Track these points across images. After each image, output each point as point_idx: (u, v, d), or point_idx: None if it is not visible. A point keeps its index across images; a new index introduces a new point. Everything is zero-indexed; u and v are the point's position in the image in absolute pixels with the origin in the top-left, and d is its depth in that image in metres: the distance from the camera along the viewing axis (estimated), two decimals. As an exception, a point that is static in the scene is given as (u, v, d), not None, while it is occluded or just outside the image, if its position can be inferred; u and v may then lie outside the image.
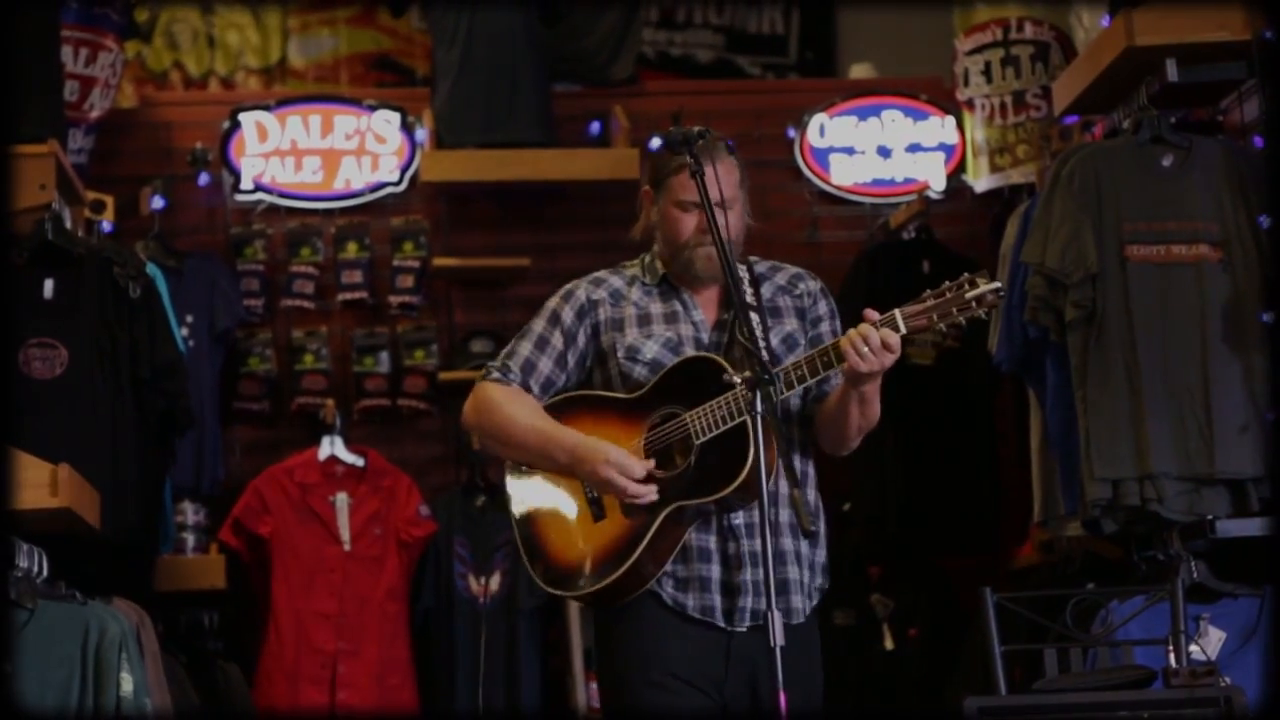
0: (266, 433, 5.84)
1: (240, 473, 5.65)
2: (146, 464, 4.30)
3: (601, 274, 3.36)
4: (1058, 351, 4.07)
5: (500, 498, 5.49)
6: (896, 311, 3.01)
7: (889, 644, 5.42)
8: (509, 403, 3.23)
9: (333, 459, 5.48)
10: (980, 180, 5.76)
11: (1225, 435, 3.83)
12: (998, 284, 2.97)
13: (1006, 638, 3.73)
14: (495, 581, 5.43)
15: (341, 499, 5.42)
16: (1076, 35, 5.42)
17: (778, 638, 2.83)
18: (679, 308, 3.27)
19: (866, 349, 2.99)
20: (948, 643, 5.26)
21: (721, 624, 3.11)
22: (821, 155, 6.15)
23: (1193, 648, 3.63)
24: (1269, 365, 3.83)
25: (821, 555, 3.22)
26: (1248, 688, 3.39)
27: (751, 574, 3.11)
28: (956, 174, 6.04)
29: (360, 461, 5.50)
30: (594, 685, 5.33)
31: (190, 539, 5.37)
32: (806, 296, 3.32)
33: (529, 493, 3.25)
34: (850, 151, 6.14)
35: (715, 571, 3.12)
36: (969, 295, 2.97)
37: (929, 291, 3.01)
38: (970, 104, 5.71)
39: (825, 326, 3.31)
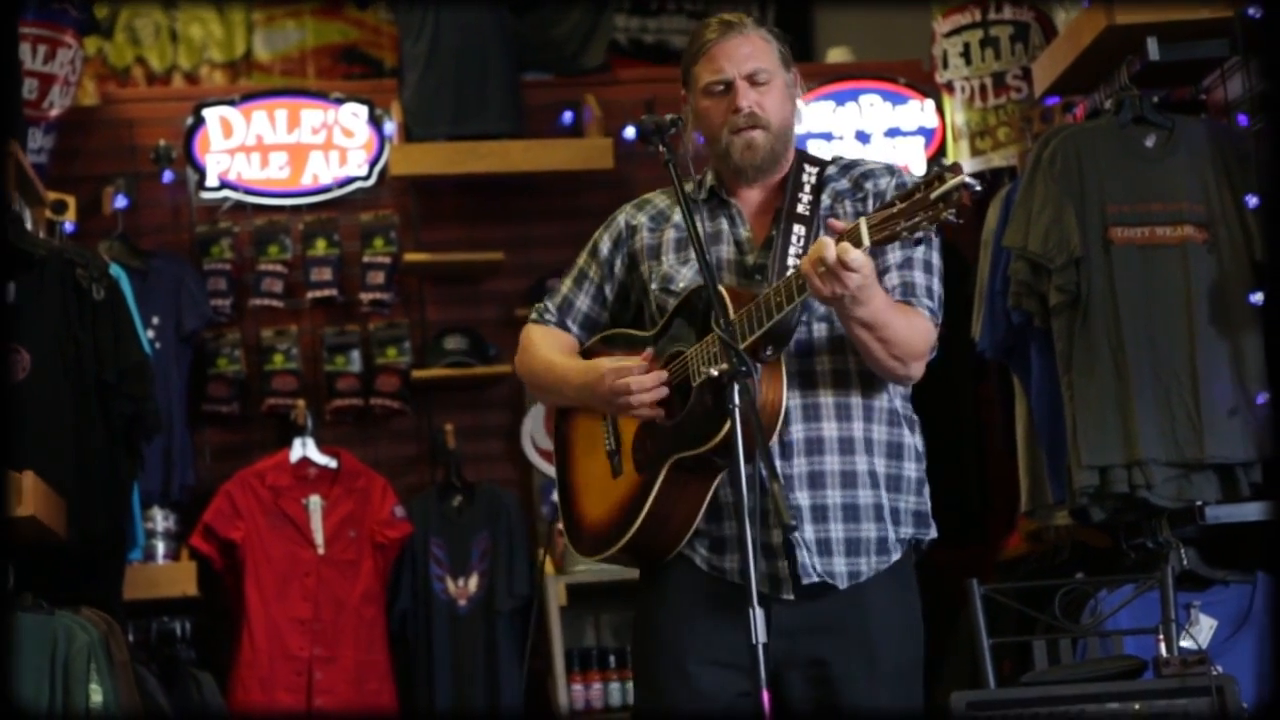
0: (236, 435, 5.75)
1: (210, 477, 5.56)
2: (113, 470, 4.20)
3: (653, 194, 2.98)
4: (1042, 337, 4.02)
5: (476, 497, 5.50)
6: (861, 221, 2.53)
7: (875, 638, 5.36)
8: (540, 344, 2.96)
9: (305, 461, 5.40)
10: (961, 164, 5.69)
11: (1214, 420, 3.79)
12: (965, 178, 2.45)
13: (994, 630, 3.69)
14: (473, 583, 5.36)
15: (314, 502, 5.34)
16: (1057, 15, 5.35)
17: (759, 635, 2.44)
18: (724, 225, 2.87)
19: (824, 269, 2.52)
20: (935, 636, 5.19)
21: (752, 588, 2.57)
22: (799, 141, 6.04)
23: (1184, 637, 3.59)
24: (1260, 347, 3.78)
25: (905, 501, 2.80)
26: (1240, 676, 3.34)
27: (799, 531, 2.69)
28: (937, 158, 5.97)
29: (333, 463, 5.42)
30: (576, 687, 5.28)
31: (160, 546, 5.29)
32: (874, 198, 2.81)
33: (560, 451, 2.97)
34: (828, 137, 6.06)
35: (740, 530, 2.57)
36: (934, 195, 2.46)
37: (896, 194, 2.56)
38: (950, 87, 5.64)
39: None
